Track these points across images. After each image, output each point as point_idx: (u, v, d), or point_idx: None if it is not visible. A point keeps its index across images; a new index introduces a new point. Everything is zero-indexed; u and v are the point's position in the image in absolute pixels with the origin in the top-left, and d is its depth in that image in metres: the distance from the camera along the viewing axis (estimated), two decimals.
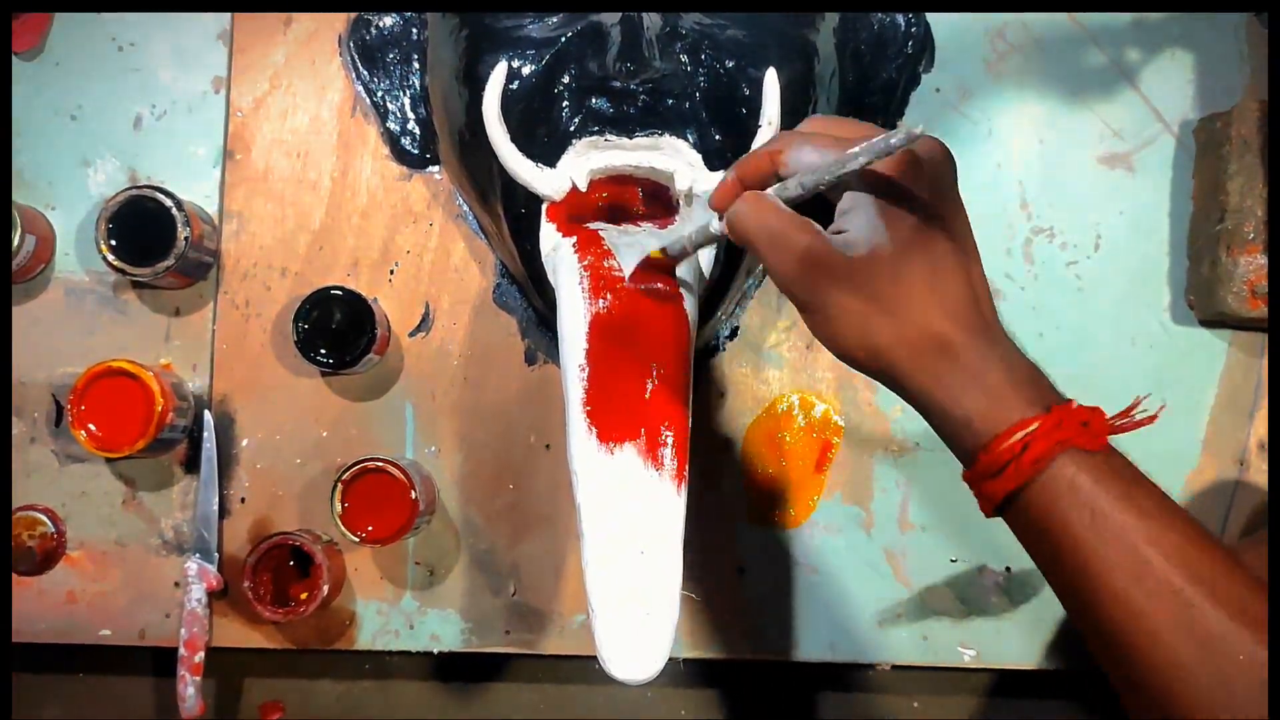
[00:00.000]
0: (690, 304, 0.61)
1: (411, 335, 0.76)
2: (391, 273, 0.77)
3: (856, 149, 0.44)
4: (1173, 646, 0.42)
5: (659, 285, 0.59)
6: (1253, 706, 0.41)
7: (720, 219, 0.51)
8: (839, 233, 0.46)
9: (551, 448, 0.76)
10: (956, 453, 0.47)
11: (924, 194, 0.46)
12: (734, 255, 0.66)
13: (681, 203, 0.63)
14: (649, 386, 0.59)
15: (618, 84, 0.61)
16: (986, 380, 0.45)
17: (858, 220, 0.46)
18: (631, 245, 0.61)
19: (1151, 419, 0.46)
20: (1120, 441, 0.77)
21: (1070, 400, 0.45)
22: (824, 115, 0.52)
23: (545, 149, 0.62)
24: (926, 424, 0.78)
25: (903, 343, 0.46)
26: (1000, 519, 0.47)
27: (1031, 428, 0.43)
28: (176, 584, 0.75)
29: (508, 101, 0.63)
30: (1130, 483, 0.44)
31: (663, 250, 0.57)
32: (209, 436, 0.75)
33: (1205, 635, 0.41)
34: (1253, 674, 0.41)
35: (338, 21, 0.77)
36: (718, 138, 0.63)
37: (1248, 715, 0.40)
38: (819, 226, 0.47)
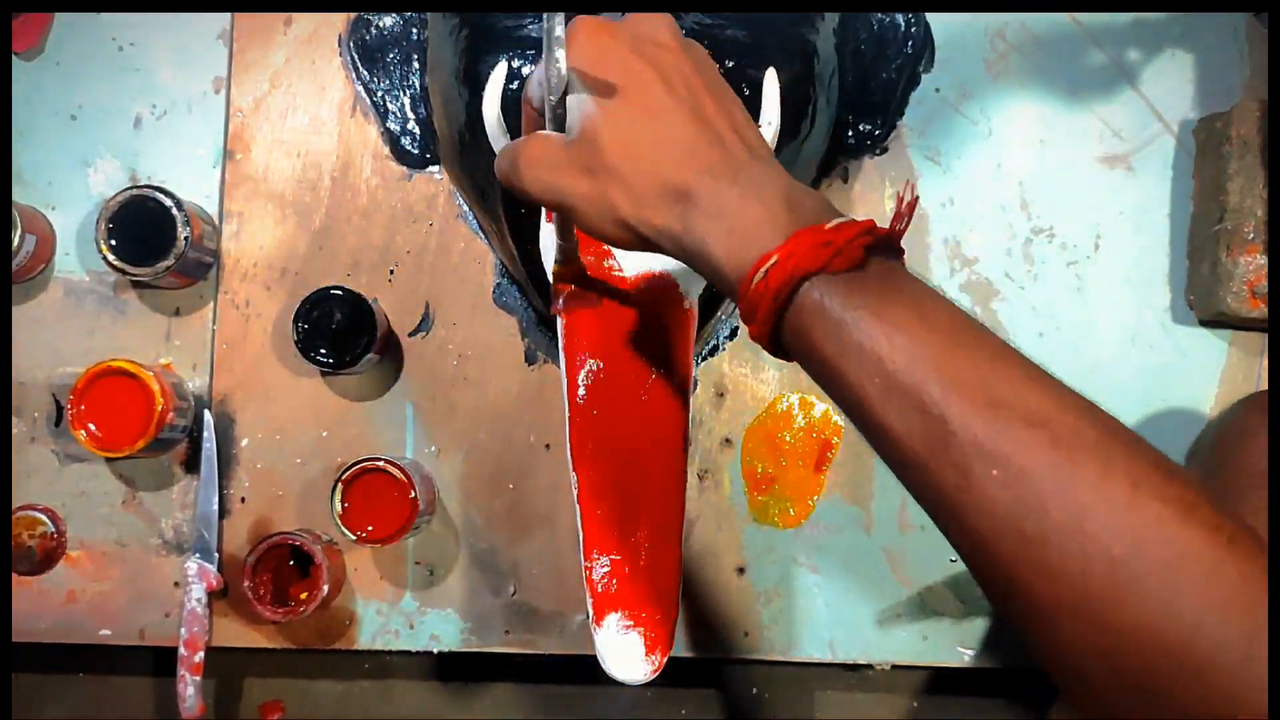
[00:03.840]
0: (690, 304, 0.61)
1: (411, 335, 0.76)
2: (391, 273, 0.77)
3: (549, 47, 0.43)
4: (932, 471, 0.36)
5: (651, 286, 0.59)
6: (1005, 533, 0.35)
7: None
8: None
9: (551, 448, 0.76)
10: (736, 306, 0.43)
11: (622, 57, 0.45)
12: None
13: None
14: (648, 386, 0.59)
15: None
16: (729, 219, 0.42)
17: (571, 105, 0.45)
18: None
19: (914, 202, 0.42)
20: None
21: (834, 221, 0.40)
22: None
23: None
24: None
25: (643, 204, 0.43)
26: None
27: (771, 261, 0.40)
28: (176, 584, 0.75)
29: (508, 102, 0.63)
30: (887, 295, 0.39)
31: (557, 264, 0.56)
32: (209, 436, 0.75)
33: (960, 459, 0.35)
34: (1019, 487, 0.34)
35: (338, 21, 0.77)
36: None
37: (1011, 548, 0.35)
38: (546, 132, 0.46)
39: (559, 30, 0.43)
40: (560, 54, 0.43)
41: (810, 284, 0.39)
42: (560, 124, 0.46)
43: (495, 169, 0.49)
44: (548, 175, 0.45)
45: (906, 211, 0.42)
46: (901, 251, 0.42)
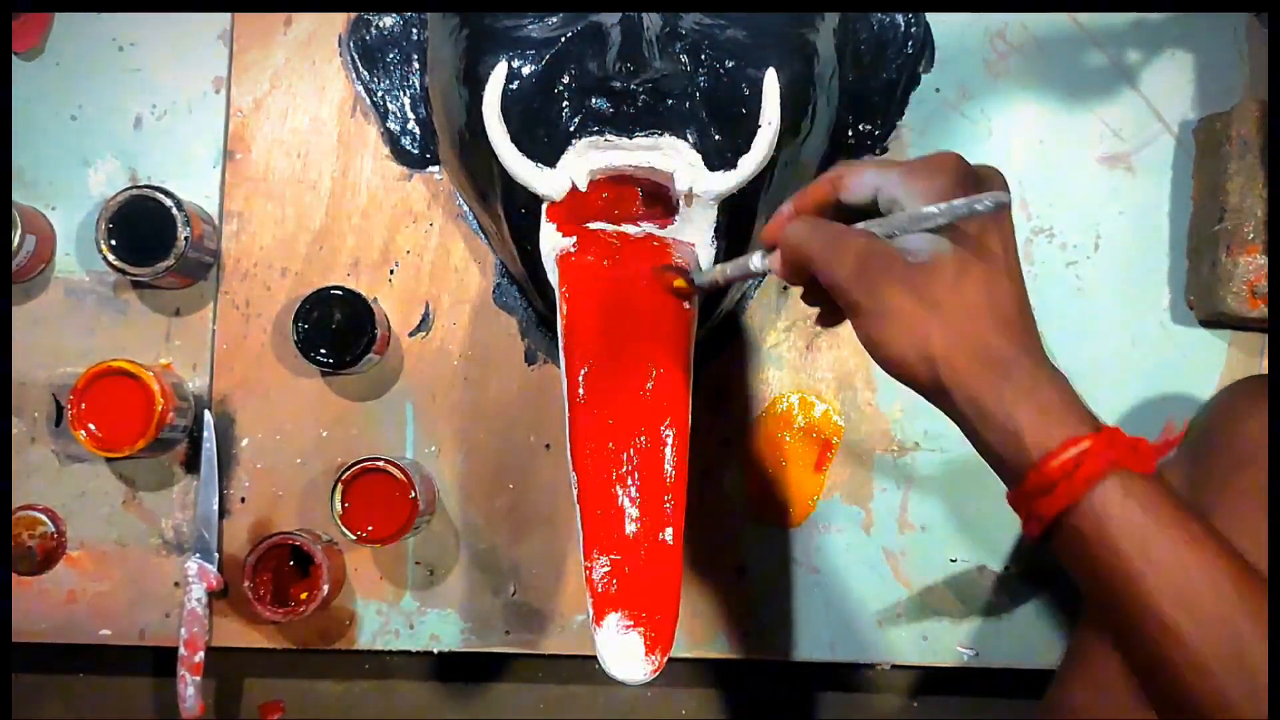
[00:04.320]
0: (690, 304, 0.61)
1: (411, 335, 0.76)
2: (391, 273, 0.77)
3: (940, 208, 0.45)
4: (1220, 678, 0.41)
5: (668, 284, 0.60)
6: None
7: (764, 255, 0.51)
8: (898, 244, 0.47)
9: (551, 448, 0.76)
10: (1002, 471, 0.46)
11: (982, 222, 0.46)
12: (734, 255, 0.66)
13: (681, 203, 0.63)
14: (649, 386, 0.59)
15: (618, 84, 0.61)
16: (1040, 396, 0.45)
17: (919, 234, 0.46)
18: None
19: (1179, 438, 0.46)
20: None
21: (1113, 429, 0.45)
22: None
23: (545, 149, 0.62)
24: (928, 426, 0.78)
25: (957, 351, 0.45)
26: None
27: (1083, 445, 0.43)
28: (176, 584, 0.75)
29: (508, 101, 0.63)
30: (1179, 509, 0.43)
31: (689, 281, 0.58)
32: (209, 436, 0.75)
33: (1255, 669, 0.41)
34: None
35: (338, 21, 0.77)
36: (717, 138, 0.63)
37: None
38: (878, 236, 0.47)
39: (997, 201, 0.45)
40: (974, 208, 0.45)
41: (1116, 479, 0.43)
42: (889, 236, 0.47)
43: (792, 233, 0.49)
44: (874, 274, 0.46)
45: (1173, 441, 0.47)
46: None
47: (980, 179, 0.48)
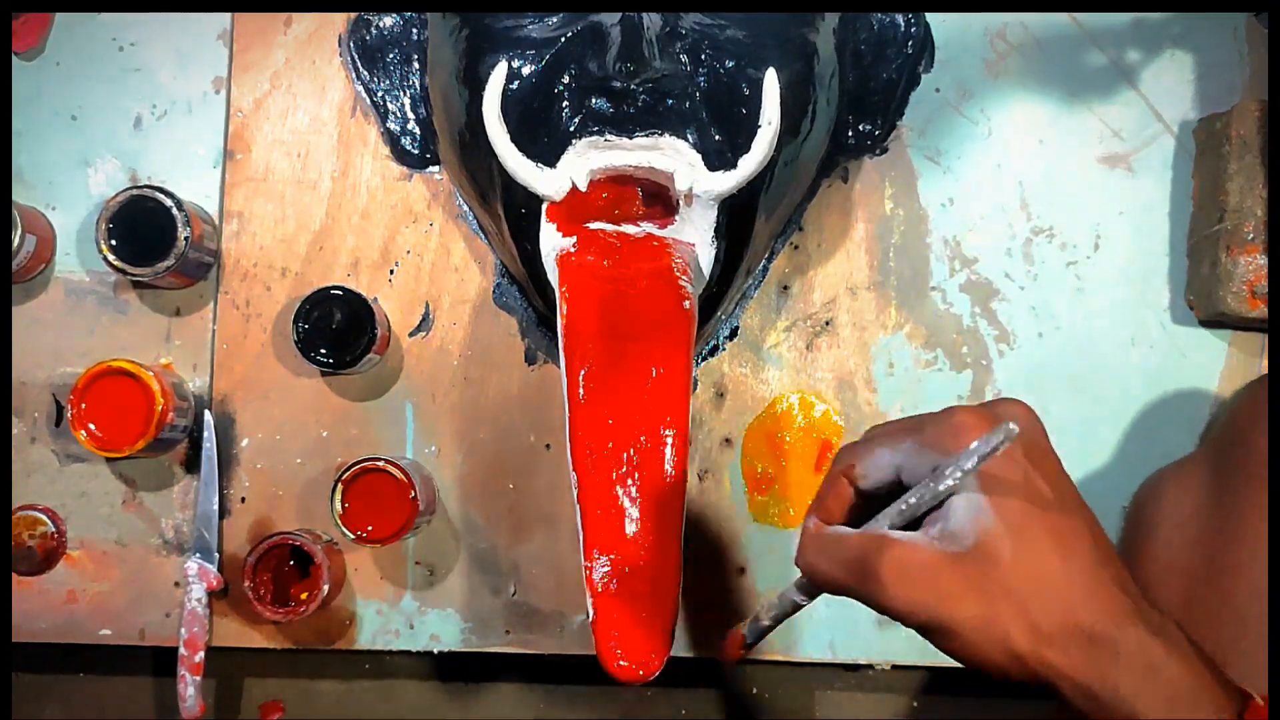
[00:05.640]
0: (690, 304, 0.61)
1: (411, 335, 0.76)
2: (391, 273, 0.77)
3: (952, 464, 0.40)
4: None
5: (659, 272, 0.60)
6: None
7: (801, 587, 0.47)
8: (935, 528, 0.41)
9: (551, 447, 0.76)
10: None
11: (1023, 467, 0.40)
12: (733, 256, 0.66)
13: (681, 203, 0.63)
14: (649, 386, 0.59)
15: (617, 84, 0.61)
16: (1162, 677, 0.39)
17: (958, 507, 0.40)
18: None
19: None
20: (1122, 444, 0.78)
21: (1251, 695, 0.39)
22: (878, 425, 0.46)
23: (545, 149, 0.62)
24: None
25: (1046, 641, 0.39)
26: None
27: None
28: (176, 584, 0.75)
29: (508, 102, 0.63)
30: None
31: (744, 643, 0.54)
32: (209, 436, 0.75)
33: None
34: None
35: (338, 21, 0.77)
36: (717, 138, 0.63)
37: None
38: (906, 534, 0.41)
39: (1008, 434, 0.38)
40: (983, 453, 0.38)
41: None
42: (915, 522, 0.41)
43: (812, 563, 0.43)
44: (926, 595, 0.40)
45: None
46: None
47: (997, 418, 0.41)
